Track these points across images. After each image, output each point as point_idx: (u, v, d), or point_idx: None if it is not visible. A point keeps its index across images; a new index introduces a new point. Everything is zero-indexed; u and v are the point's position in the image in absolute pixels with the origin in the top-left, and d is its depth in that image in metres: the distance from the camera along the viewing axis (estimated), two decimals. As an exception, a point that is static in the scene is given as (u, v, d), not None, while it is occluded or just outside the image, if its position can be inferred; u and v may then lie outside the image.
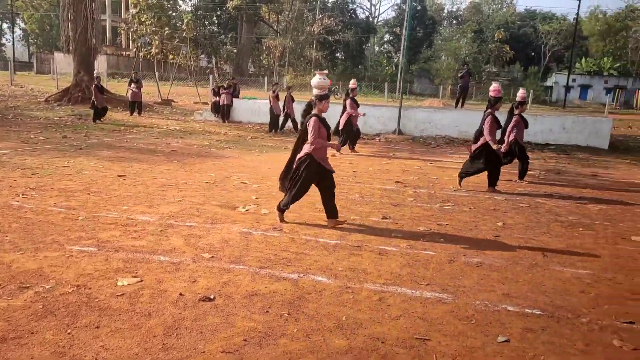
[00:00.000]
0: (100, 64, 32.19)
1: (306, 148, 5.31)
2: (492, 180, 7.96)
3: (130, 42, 39.52)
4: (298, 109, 15.30)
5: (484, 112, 7.93)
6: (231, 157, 10.38)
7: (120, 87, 25.31)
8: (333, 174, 5.51)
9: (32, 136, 12.00)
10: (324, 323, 3.34)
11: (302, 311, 3.49)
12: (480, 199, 7.45)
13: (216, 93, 17.88)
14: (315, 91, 5.38)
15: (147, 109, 20.08)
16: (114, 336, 3.04)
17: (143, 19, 24.26)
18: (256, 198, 6.77)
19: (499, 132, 8.27)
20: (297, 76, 45.52)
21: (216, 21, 53.66)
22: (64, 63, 33.35)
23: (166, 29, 25.22)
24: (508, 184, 8.62)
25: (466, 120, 15.38)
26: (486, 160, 7.78)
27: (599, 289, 4.15)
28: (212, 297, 3.64)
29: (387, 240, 5.18)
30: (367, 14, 66.10)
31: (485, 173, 7.98)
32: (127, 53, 47.14)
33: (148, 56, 26.67)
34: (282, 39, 48.24)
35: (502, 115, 8.33)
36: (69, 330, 3.08)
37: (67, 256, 4.30)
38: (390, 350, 3.04)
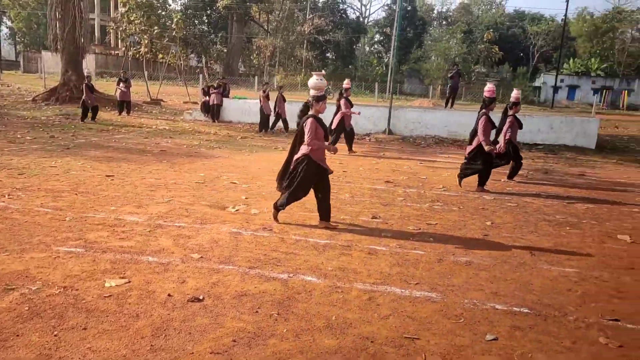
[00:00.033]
0: (89, 63, 31.90)
1: (304, 149, 5.27)
2: (482, 180, 8.01)
3: (119, 41, 39.17)
4: (289, 109, 15.33)
5: (479, 112, 7.98)
6: (221, 157, 10.34)
7: (108, 87, 25.10)
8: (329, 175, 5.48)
9: (18, 136, 11.86)
10: (314, 323, 3.34)
11: (292, 311, 3.49)
12: (469, 198, 7.50)
13: (206, 93, 17.81)
14: (312, 92, 5.34)
15: (136, 108, 19.94)
16: (101, 338, 3.01)
17: (132, 18, 24.04)
18: (246, 198, 6.75)
19: (493, 133, 8.33)
20: (287, 76, 45.45)
21: (206, 20, 53.37)
22: (51, 62, 32.97)
23: (155, 28, 25.03)
24: (497, 184, 8.68)
25: (456, 120, 15.48)
26: (483, 160, 7.83)
27: (586, 287, 4.20)
28: (201, 297, 3.62)
29: (377, 239, 5.19)
30: (357, 14, 66.32)
31: (473, 172, 8.03)
32: (116, 52, 46.74)
33: (137, 55, 26.45)
34: (273, 39, 48.14)
35: (495, 115, 8.37)
36: (55, 332, 3.05)
37: (53, 257, 4.25)
38: (379, 350, 3.05)
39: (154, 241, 4.78)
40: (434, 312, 3.59)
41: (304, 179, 5.28)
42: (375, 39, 58.83)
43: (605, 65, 51.65)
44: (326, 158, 5.51)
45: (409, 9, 51.07)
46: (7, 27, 69.34)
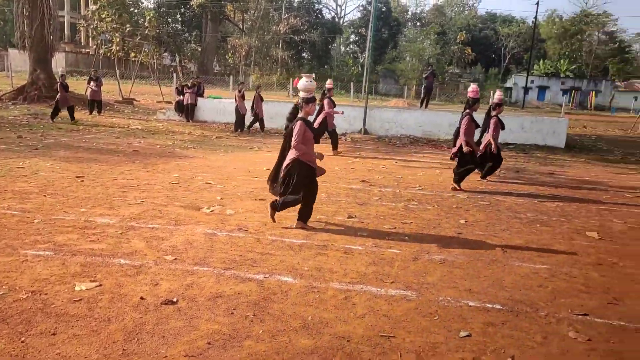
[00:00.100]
0: (59, 62, 31.07)
1: (292, 153, 5.25)
2: (458, 179, 8.12)
3: (90, 39, 38.33)
4: (266, 109, 15.27)
5: (462, 112, 8.08)
6: (195, 157, 10.21)
7: (79, 85, 24.48)
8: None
9: (-16, 136, 11.47)
10: (290, 323, 3.32)
11: (268, 312, 3.47)
12: (444, 197, 7.60)
13: (180, 92, 17.55)
14: (301, 94, 5.30)
15: (108, 108, 19.52)
16: (71, 343, 2.93)
17: (104, 16, 23.60)
18: (221, 199, 6.69)
19: (478, 133, 8.45)
20: (263, 75, 45.26)
21: (180, 19, 52.66)
22: (19, 60, 31.98)
23: (127, 26, 24.63)
24: (470, 183, 8.81)
25: (430, 120, 15.66)
26: (471, 158, 7.93)
27: (556, 283, 4.30)
28: (174, 300, 3.56)
29: (353, 239, 5.21)
30: (333, 14, 66.40)
31: (466, 172, 8.10)
32: (87, 50, 45.74)
33: (108, 54, 25.95)
34: (248, 38, 47.84)
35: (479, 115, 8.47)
36: (22, 338, 2.95)
37: (21, 261, 4.12)
38: (355, 349, 3.06)
39: (126, 243, 4.68)
40: (409, 310, 3.63)
41: (298, 182, 5.25)
42: (351, 39, 59.12)
43: (574, 66, 53.20)
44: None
45: (383, 9, 51.47)
46: (-29, 24, 67.02)
